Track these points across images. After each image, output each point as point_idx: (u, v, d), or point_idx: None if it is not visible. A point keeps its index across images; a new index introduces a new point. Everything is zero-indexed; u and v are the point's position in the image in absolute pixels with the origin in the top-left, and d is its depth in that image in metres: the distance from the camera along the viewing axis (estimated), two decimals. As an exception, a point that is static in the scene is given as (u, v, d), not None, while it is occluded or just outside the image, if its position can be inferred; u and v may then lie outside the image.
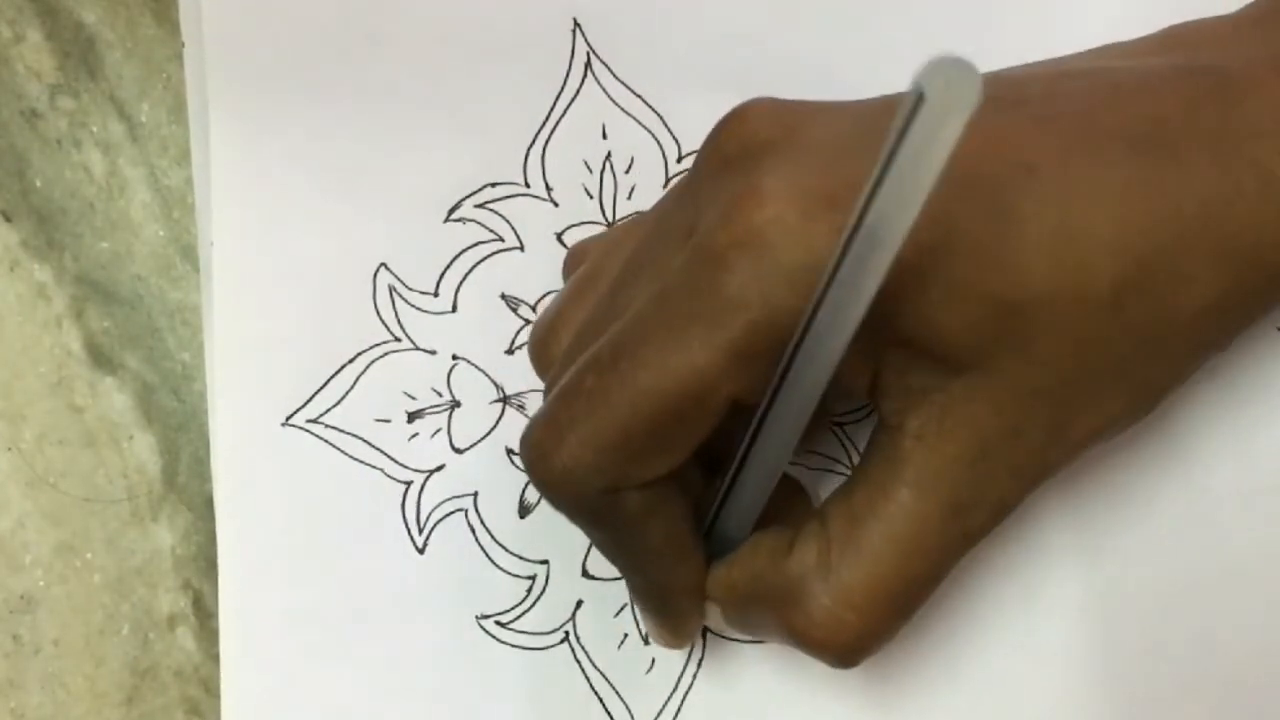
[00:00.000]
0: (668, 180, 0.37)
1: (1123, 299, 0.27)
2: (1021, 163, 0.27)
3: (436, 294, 0.36)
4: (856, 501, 0.29)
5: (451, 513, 0.36)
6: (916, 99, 0.20)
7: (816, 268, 0.24)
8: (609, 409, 0.27)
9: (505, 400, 0.36)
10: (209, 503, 0.36)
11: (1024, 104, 0.29)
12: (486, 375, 0.36)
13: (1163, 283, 0.28)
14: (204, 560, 0.37)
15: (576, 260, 0.34)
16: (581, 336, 0.30)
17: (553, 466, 0.28)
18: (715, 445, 0.29)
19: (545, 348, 0.31)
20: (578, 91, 0.37)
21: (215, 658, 0.36)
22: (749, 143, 0.28)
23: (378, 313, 0.36)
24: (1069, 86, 0.30)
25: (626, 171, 0.37)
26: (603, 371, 0.27)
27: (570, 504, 0.29)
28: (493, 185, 0.37)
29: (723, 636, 0.35)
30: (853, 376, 0.28)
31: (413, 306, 0.36)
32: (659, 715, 0.35)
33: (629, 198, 0.37)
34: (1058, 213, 0.27)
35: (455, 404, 0.36)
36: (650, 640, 0.35)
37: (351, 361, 0.36)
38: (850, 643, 0.29)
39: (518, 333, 0.36)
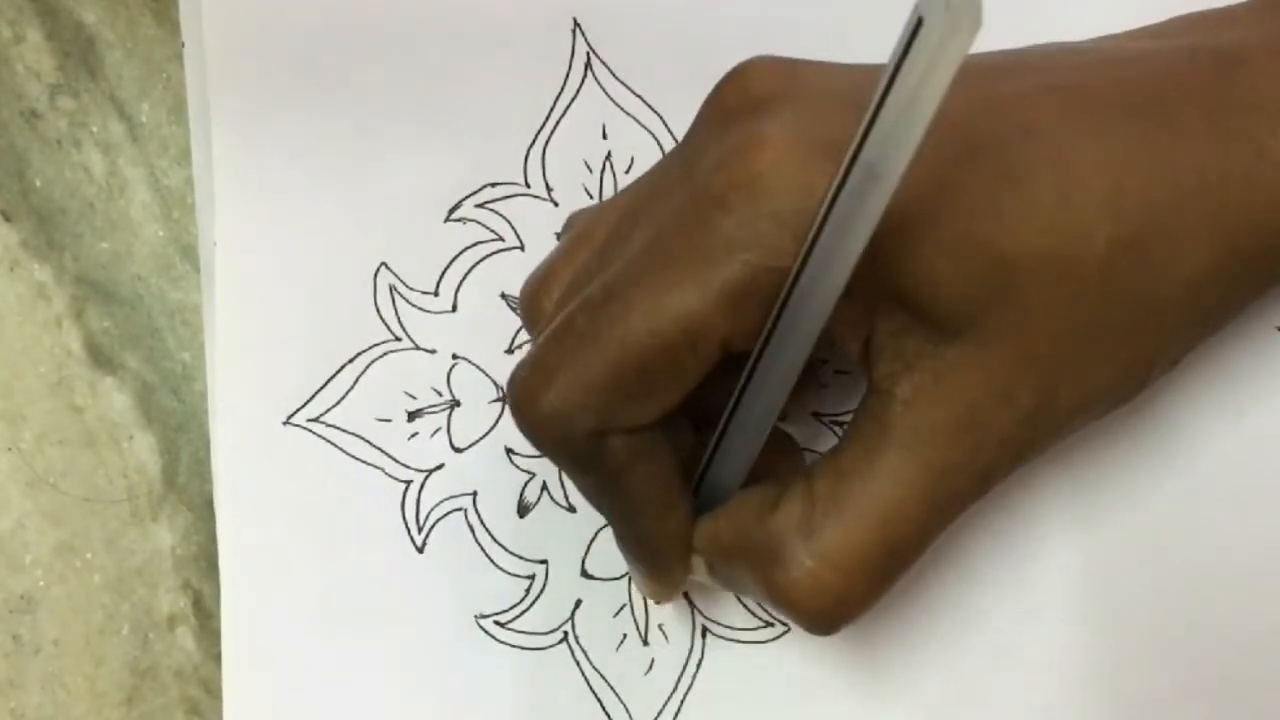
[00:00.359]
0: (668, 180, 0.37)
1: (1116, 262, 0.27)
2: (1020, 125, 0.27)
3: (437, 293, 0.36)
4: (843, 463, 0.28)
5: (451, 512, 0.36)
6: (916, 23, 0.19)
7: (814, 212, 0.24)
8: (599, 349, 0.27)
9: (505, 399, 0.36)
10: (209, 503, 0.36)
11: (1024, 72, 0.29)
12: (486, 375, 0.36)
13: (1157, 248, 0.28)
14: (204, 560, 0.37)
15: (572, 225, 0.33)
16: (573, 287, 0.29)
17: (540, 407, 0.27)
18: (706, 401, 0.29)
19: (536, 301, 0.31)
20: (578, 91, 0.37)
21: (215, 658, 0.36)
22: (750, 95, 0.28)
23: (378, 312, 0.36)
24: (1070, 59, 0.30)
25: (627, 171, 0.37)
26: (594, 312, 0.27)
27: (556, 446, 0.28)
28: (493, 185, 0.37)
29: (706, 588, 0.34)
30: (846, 337, 0.28)
31: (413, 306, 0.36)
32: (658, 716, 0.35)
33: (629, 197, 0.37)
34: (1054, 174, 0.27)
35: (455, 403, 0.36)
36: (636, 590, 0.35)
37: (352, 361, 0.36)
38: (829, 607, 0.28)
39: (517, 332, 0.36)
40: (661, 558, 0.31)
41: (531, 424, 0.28)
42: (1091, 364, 0.28)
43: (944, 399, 0.27)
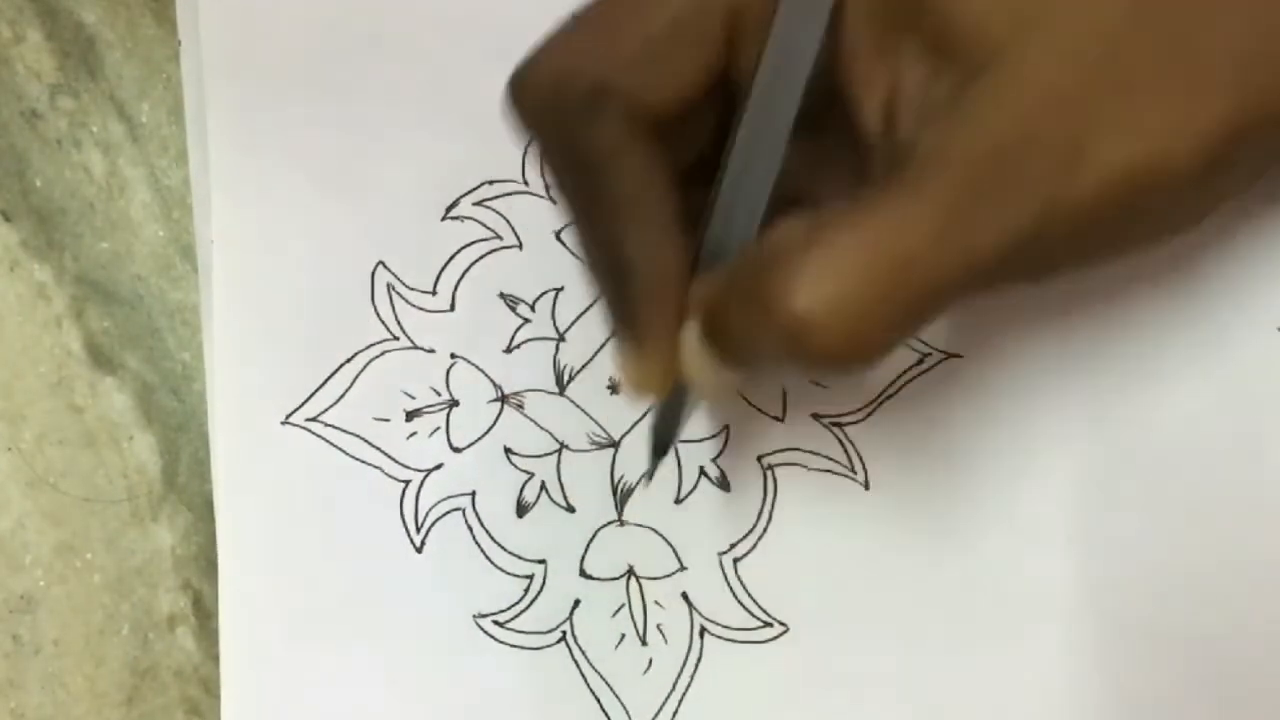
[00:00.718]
0: (667, 178, 0.37)
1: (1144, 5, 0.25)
2: None
3: (434, 292, 0.36)
4: (859, 205, 0.26)
5: (449, 512, 0.36)
6: None
7: None
8: (603, 5, 0.26)
9: (504, 399, 0.36)
10: (209, 503, 0.36)
11: None
12: (485, 374, 0.36)
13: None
14: (204, 560, 0.37)
15: None
16: None
17: (538, 63, 0.26)
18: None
19: None
20: (577, 89, 0.37)
21: (215, 658, 0.36)
22: None
23: (376, 311, 0.36)
24: None
25: (626, 170, 0.37)
26: None
27: (546, 111, 0.26)
28: (491, 183, 0.36)
29: (702, 403, 0.33)
30: (865, 96, 0.27)
31: (411, 305, 0.36)
32: (656, 715, 0.35)
33: (628, 196, 0.36)
34: None
35: (453, 403, 0.36)
36: (622, 382, 0.31)
37: (350, 360, 0.36)
38: (838, 327, 0.25)
39: (516, 331, 0.36)
40: (642, 299, 0.27)
41: (526, 83, 0.26)
42: (1124, 119, 0.26)
43: (968, 144, 0.25)
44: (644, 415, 0.36)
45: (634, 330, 0.28)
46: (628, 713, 0.35)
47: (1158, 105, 0.26)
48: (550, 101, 0.26)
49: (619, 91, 0.26)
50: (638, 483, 0.35)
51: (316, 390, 0.36)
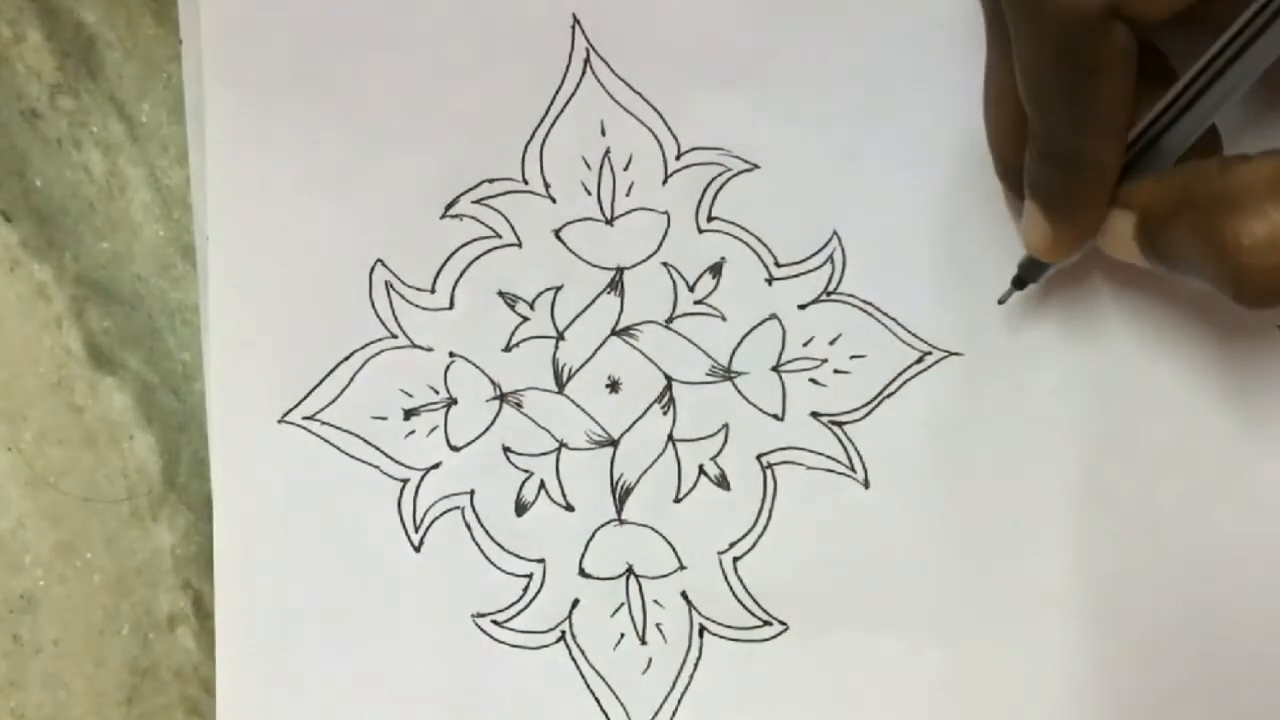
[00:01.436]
0: (666, 176, 0.36)
1: None
2: None
3: (433, 290, 0.36)
4: None
5: (448, 511, 0.36)
6: None
7: None
8: None
9: (502, 398, 0.36)
10: (209, 503, 0.36)
11: None
12: (483, 372, 0.36)
13: None
14: (204, 560, 0.37)
15: None
16: None
17: None
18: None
19: None
20: (576, 88, 0.37)
21: (215, 657, 0.36)
22: None
23: (374, 309, 0.36)
24: None
25: (625, 168, 0.36)
26: None
27: (1069, 15, 0.27)
28: (490, 181, 0.36)
29: (1108, 261, 0.33)
30: None
31: (409, 303, 0.36)
32: (656, 714, 0.35)
33: (628, 194, 0.36)
34: None
35: (452, 401, 0.36)
36: (1026, 243, 0.32)
37: (348, 358, 0.36)
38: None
39: (515, 329, 0.36)
40: (1087, 189, 0.30)
41: None
42: None
43: None
44: (643, 415, 0.36)
45: (1066, 211, 0.30)
46: (627, 712, 0.35)
47: None
48: (1074, 10, 0.27)
49: (1135, 11, 0.27)
50: (1004, 297, 0.35)
51: (314, 388, 0.36)
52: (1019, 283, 0.34)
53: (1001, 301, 0.35)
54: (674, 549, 0.35)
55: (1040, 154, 0.30)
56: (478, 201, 0.36)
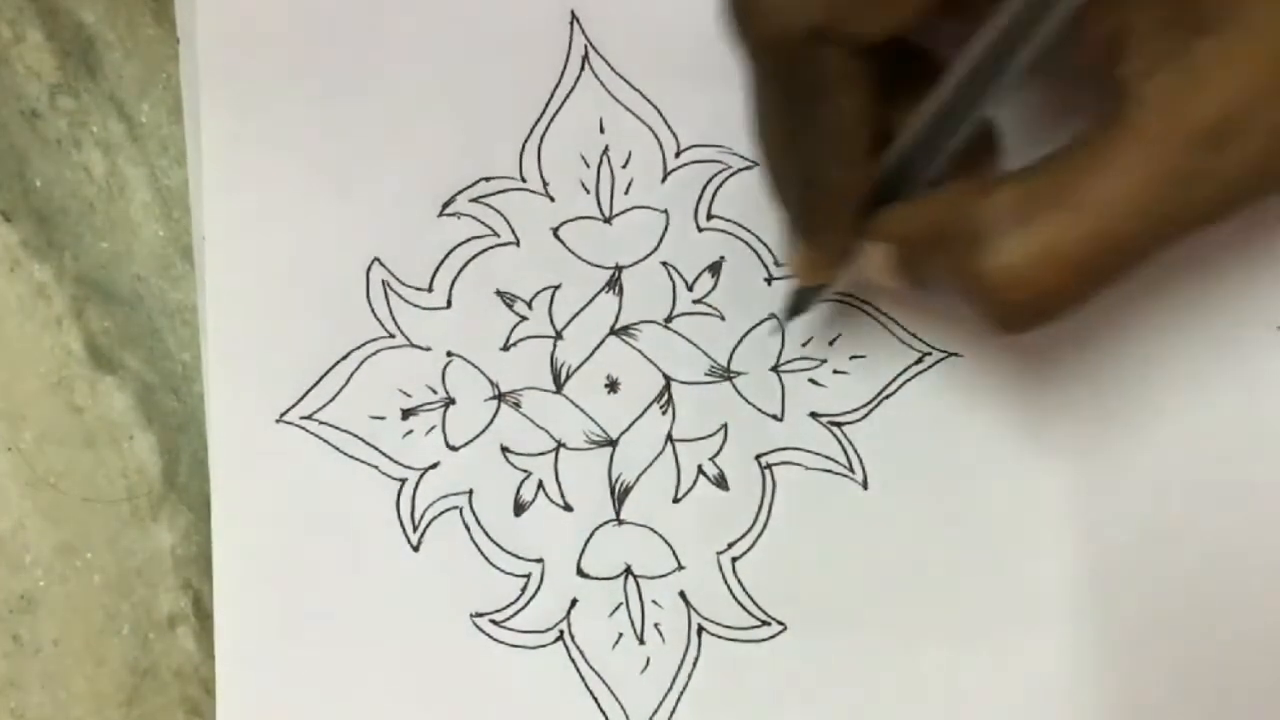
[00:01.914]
0: (665, 174, 0.36)
1: None
2: None
3: (431, 289, 0.36)
4: (1070, 159, 0.27)
5: (446, 510, 0.35)
6: None
7: None
8: None
9: (500, 397, 0.36)
10: (209, 503, 0.36)
11: None
12: (481, 372, 0.36)
13: None
14: (204, 560, 0.37)
15: None
16: None
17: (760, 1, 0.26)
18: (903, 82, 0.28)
19: None
20: (575, 85, 0.37)
21: (215, 658, 0.36)
22: None
23: (371, 308, 0.36)
24: None
25: (624, 165, 0.36)
26: None
27: (770, 44, 0.26)
28: (488, 179, 0.36)
29: (870, 290, 0.34)
30: (1092, 28, 0.27)
31: (407, 302, 0.36)
32: (654, 715, 0.35)
33: (626, 192, 0.36)
34: None
35: (450, 401, 0.36)
36: (789, 269, 0.33)
37: (345, 358, 0.36)
38: (1031, 299, 0.27)
39: (513, 329, 0.36)
40: (828, 211, 0.29)
41: (751, 11, 0.26)
42: None
43: (1194, 99, 0.26)
44: (642, 415, 0.36)
45: (817, 233, 0.30)
46: (625, 712, 0.35)
47: None
48: (776, 37, 0.26)
49: (841, 30, 0.26)
50: (781, 327, 0.35)
51: (311, 388, 0.36)
52: (794, 310, 0.34)
53: (778, 334, 0.35)
54: (672, 549, 0.35)
55: (779, 176, 0.30)
56: (475, 200, 0.36)
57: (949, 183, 0.29)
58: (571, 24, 0.37)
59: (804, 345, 0.35)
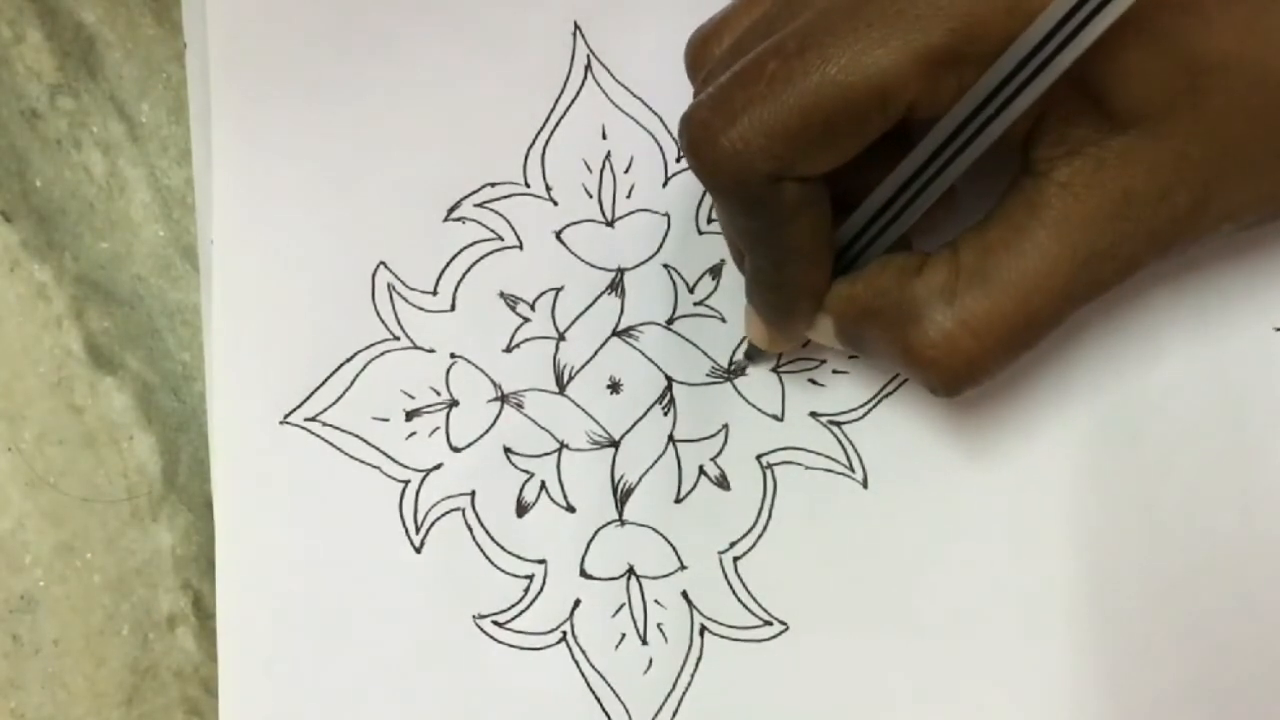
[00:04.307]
0: (667, 180, 0.37)
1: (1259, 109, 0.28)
2: None
3: (435, 292, 0.36)
4: (991, 237, 0.30)
5: (449, 512, 0.36)
6: None
7: None
8: (792, 95, 0.27)
9: (503, 399, 0.36)
10: (209, 503, 0.36)
11: None
12: (485, 374, 0.36)
13: None
14: (204, 560, 0.37)
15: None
16: (748, 36, 0.29)
17: (721, 146, 0.27)
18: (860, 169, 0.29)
19: (705, 47, 0.31)
20: (578, 93, 0.37)
21: (215, 658, 0.36)
22: None
23: (376, 311, 0.36)
24: None
25: (626, 171, 0.37)
26: (788, 59, 0.27)
27: (731, 187, 0.28)
28: (492, 185, 0.37)
29: (821, 350, 0.36)
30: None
31: (411, 305, 0.36)
32: (657, 715, 0.35)
33: (628, 197, 0.37)
34: None
35: (453, 403, 0.36)
36: (749, 336, 0.35)
37: (350, 360, 0.36)
38: (960, 367, 0.30)
39: (516, 331, 0.36)
40: (795, 307, 0.32)
41: (710, 162, 0.28)
42: (1255, 174, 0.29)
43: (1102, 187, 0.29)
44: (644, 415, 0.36)
45: (779, 323, 0.33)
46: (628, 712, 0.35)
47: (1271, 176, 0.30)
48: (735, 180, 0.28)
49: (795, 173, 0.28)
50: (736, 371, 0.36)
51: (316, 389, 0.36)
52: (749, 357, 0.36)
53: (733, 373, 0.36)
54: (674, 549, 0.35)
55: (751, 279, 0.32)
56: (480, 205, 0.36)
57: (884, 257, 0.31)
58: (575, 34, 0.37)
59: (804, 345, 0.36)
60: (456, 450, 0.36)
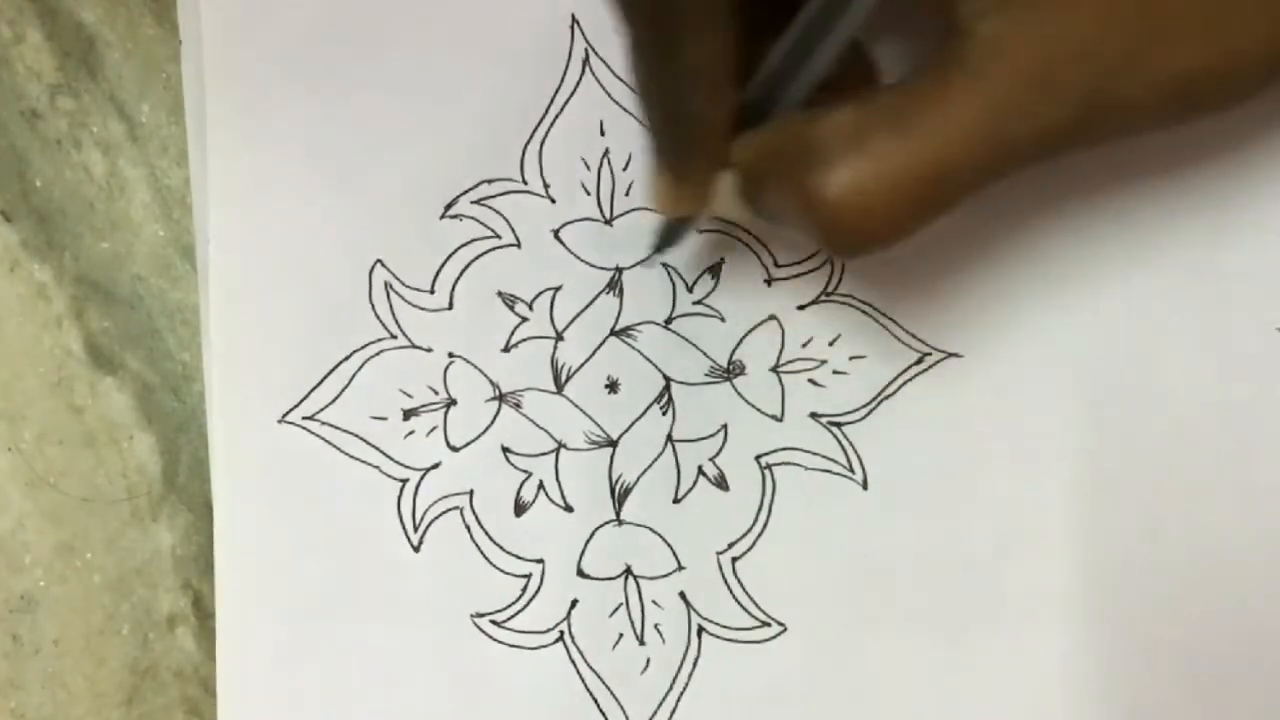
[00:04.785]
0: (666, 177, 0.36)
1: None
2: None
3: (432, 291, 0.36)
4: (911, 89, 0.28)
5: (447, 511, 0.36)
6: None
7: None
8: None
9: (501, 398, 0.36)
10: (209, 503, 0.36)
11: None
12: (482, 373, 0.36)
13: None
14: (204, 560, 0.37)
15: None
16: None
17: None
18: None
19: None
20: (576, 88, 0.37)
21: (215, 658, 0.36)
22: None
23: (374, 310, 0.36)
24: None
25: (624, 168, 0.37)
26: None
27: None
28: (489, 182, 0.36)
29: (728, 229, 0.35)
30: None
31: (409, 303, 0.36)
32: (654, 715, 0.35)
33: (627, 194, 0.36)
34: None
35: (451, 402, 0.36)
36: (652, 201, 0.32)
37: (347, 359, 0.36)
38: (862, 221, 0.28)
39: (514, 330, 0.36)
40: (696, 144, 0.30)
41: None
42: (1181, 40, 0.28)
43: (1027, 41, 0.27)
44: (642, 415, 0.36)
45: (681, 166, 0.30)
46: (625, 712, 0.35)
47: (1214, 32, 0.28)
48: None
49: None
50: (647, 261, 0.36)
51: (314, 388, 0.36)
52: (663, 243, 0.34)
53: (644, 263, 0.35)
54: (673, 549, 0.35)
55: (649, 111, 0.30)
56: (477, 202, 0.36)
57: (782, 116, 0.30)
58: (572, 28, 0.37)
59: (804, 345, 0.36)
60: (454, 449, 0.36)
